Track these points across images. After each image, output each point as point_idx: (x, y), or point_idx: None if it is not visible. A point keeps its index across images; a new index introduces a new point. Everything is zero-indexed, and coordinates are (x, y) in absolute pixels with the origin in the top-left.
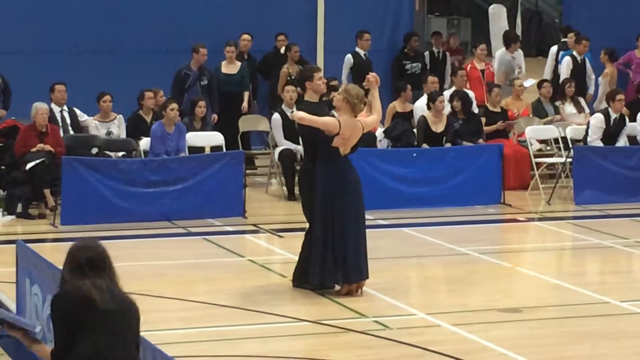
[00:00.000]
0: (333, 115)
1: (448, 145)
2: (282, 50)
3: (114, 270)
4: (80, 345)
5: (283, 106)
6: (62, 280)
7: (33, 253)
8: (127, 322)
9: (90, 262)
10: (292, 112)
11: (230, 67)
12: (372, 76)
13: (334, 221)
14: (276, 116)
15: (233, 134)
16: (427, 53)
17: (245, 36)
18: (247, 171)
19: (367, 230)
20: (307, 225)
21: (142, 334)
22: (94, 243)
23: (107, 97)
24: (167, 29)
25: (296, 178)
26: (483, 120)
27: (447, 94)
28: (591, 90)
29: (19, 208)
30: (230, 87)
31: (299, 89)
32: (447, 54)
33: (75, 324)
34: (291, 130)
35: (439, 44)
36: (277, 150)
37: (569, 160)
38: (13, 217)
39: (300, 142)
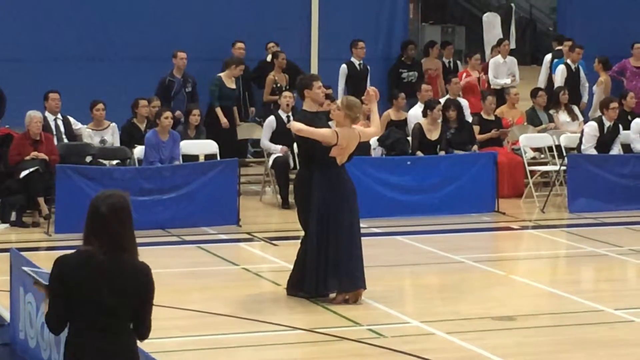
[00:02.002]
0: (330, 126)
1: (442, 153)
2: (269, 58)
3: (132, 229)
4: (75, 324)
5: (279, 111)
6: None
7: (27, 261)
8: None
9: (112, 208)
10: (289, 121)
11: (230, 82)
12: (372, 90)
13: (329, 230)
14: (270, 118)
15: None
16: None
17: (239, 44)
18: (242, 178)
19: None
20: (301, 233)
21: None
22: (120, 193)
23: (100, 106)
24: (162, 37)
25: (291, 186)
26: (477, 128)
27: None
28: (585, 99)
29: (13, 216)
30: (235, 102)
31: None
32: (459, 63)
33: (69, 294)
34: (283, 134)
35: (450, 54)
36: (271, 158)
37: (563, 168)
38: (7, 225)
39: (295, 149)
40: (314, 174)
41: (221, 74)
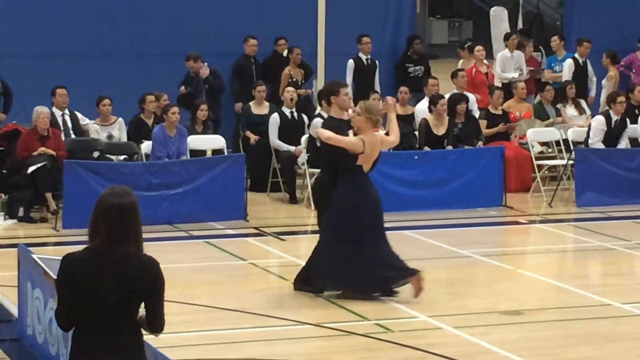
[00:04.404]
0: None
1: (449, 147)
2: (284, 53)
3: (140, 225)
4: (82, 321)
5: (283, 107)
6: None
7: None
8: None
9: (120, 209)
10: (293, 117)
11: (260, 108)
12: (390, 99)
13: (345, 232)
14: (274, 116)
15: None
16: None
17: (252, 40)
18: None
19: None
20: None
21: (144, 338)
22: (127, 190)
23: (107, 101)
24: (169, 33)
25: (299, 181)
26: (484, 122)
27: (447, 96)
28: (592, 93)
29: (21, 212)
30: (263, 128)
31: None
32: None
33: (78, 292)
34: (288, 131)
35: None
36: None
37: (571, 162)
38: (15, 221)
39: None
40: (339, 181)
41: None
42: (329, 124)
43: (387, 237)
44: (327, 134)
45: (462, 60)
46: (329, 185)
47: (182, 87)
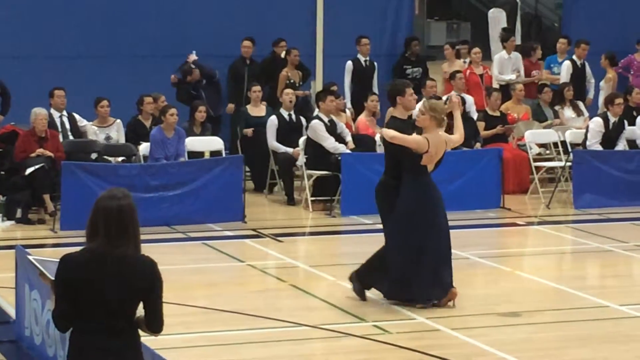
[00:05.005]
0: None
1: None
2: (283, 54)
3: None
4: (80, 322)
5: (281, 109)
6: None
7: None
8: (131, 304)
9: (119, 211)
10: (292, 119)
11: (257, 110)
12: (454, 97)
13: (412, 238)
14: (272, 118)
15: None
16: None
17: (247, 42)
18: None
19: (367, 235)
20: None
21: (142, 339)
22: (125, 192)
23: (105, 102)
24: (167, 34)
25: (297, 183)
26: (482, 124)
27: (444, 98)
28: (591, 95)
29: (19, 213)
30: (260, 129)
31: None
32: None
33: (75, 292)
34: (287, 133)
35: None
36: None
37: (569, 164)
38: (12, 222)
39: (301, 145)
40: (403, 182)
41: None
42: (393, 124)
43: (449, 237)
44: (391, 133)
45: (446, 62)
46: (393, 188)
47: (173, 76)
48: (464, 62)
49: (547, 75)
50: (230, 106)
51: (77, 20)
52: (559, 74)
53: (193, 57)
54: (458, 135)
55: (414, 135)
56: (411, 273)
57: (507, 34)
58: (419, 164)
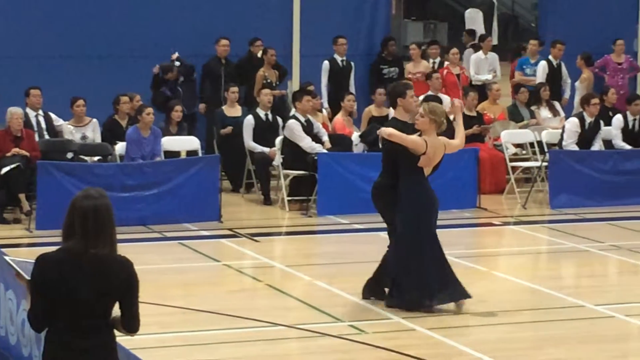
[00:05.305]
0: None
1: None
2: (259, 54)
3: (114, 227)
4: (55, 322)
5: (258, 109)
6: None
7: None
8: (107, 304)
9: (95, 210)
10: (268, 119)
11: (233, 110)
12: (457, 101)
13: (421, 242)
14: (249, 118)
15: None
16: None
17: (224, 41)
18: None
19: (343, 234)
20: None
21: (118, 339)
22: (101, 192)
23: (81, 102)
24: (144, 34)
25: (273, 182)
26: None
27: (421, 98)
28: (567, 95)
29: None
30: (237, 130)
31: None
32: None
33: (51, 292)
34: (263, 133)
35: (436, 54)
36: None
37: (545, 164)
38: None
39: (277, 145)
40: (400, 184)
41: None
42: (394, 125)
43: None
44: (389, 131)
45: (411, 63)
46: (388, 190)
47: (156, 67)
48: (434, 62)
49: (520, 76)
50: (202, 106)
51: (53, 20)
52: (531, 75)
53: (176, 55)
54: (459, 140)
55: (413, 136)
56: (420, 275)
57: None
58: (416, 165)
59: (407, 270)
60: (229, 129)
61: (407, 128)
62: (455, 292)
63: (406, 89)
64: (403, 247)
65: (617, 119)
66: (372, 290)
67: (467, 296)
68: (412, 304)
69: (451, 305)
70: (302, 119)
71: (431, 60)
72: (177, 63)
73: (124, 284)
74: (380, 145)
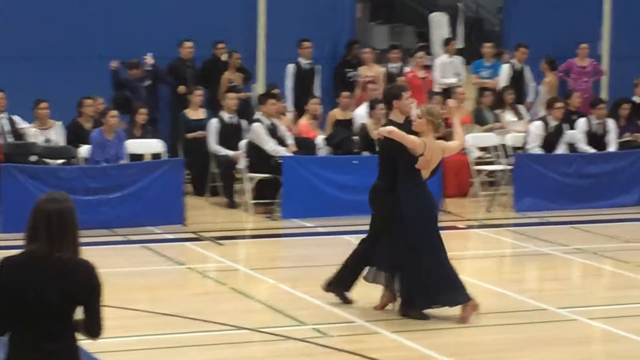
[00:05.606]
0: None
1: None
2: (224, 57)
3: (77, 230)
4: (18, 325)
5: (222, 112)
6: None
7: None
8: (70, 307)
9: (59, 214)
10: (232, 121)
11: (197, 113)
12: (452, 102)
13: (423, 244)
14: (213, 121)
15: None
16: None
17: (188, 43)
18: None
19: (308, 237)
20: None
21: (81, 343)
22: (64, 196)
23: (44, 104)
24: (107, 36)
25: (238, 186)
26: None
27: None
28: (530, 98)
29: None
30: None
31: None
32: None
33: (13, 295)
34: (228, 136)
35: (398, 58)
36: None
37: (509, 167)
38: None
39: (241, 148)
40: (398, 186)
41: None
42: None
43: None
44: (390, 128)
45: (364, 66)
46: (386, 193)
47: (114, 63)
48: (390, 66)
49: (476, 79)
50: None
51: (16, 21)
52: (486, 78)
53: (150, 59)
54: (457, 142)
55: (412, 136)
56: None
57: (448, 38)
58: (414, 166)
59: (427, 271)
60: (199, 133)
61: (404, 130)
62: (460, 294)
63: (401, 91)
64: (415, 248)
65: (581, 123)
66: (335, 285)
67: (469, 299)
68: (448, 301)
69: (457, 310)
70: (267, 122)
71: (390, 65)
72: (150, 68)
73: (87, 287)
74: (377, 148)
